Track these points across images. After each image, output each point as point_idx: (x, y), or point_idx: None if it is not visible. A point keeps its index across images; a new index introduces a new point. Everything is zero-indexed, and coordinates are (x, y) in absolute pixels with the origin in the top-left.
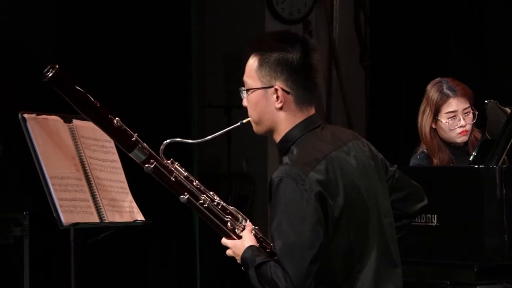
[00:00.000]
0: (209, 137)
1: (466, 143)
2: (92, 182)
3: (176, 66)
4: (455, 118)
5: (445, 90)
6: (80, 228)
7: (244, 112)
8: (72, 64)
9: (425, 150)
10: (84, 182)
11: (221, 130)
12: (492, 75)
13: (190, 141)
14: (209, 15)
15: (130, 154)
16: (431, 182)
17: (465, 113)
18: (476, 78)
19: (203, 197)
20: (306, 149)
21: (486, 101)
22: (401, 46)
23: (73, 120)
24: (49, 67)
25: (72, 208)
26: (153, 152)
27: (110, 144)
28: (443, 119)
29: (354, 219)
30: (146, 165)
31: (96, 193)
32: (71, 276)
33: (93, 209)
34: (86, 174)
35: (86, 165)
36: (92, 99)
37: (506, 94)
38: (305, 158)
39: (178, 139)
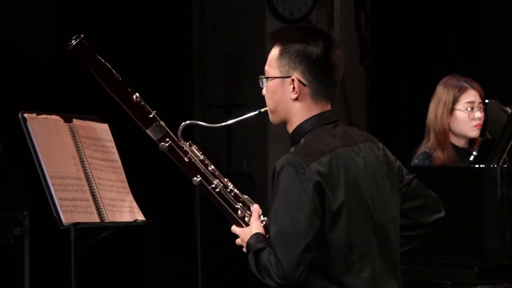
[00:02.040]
0: (228, 122)
1: (471, 144)
2: (93, 181)
3: (176, 66)
4: (473, 110)
5: (462, 83)
6: (81, 228)
7: (244, 112)
8: (72, 64)
9: (427, 150)
10: (84, 181)
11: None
12: (492, 75)
13: (207, 124)
14: (209, 14)
15: (147, 131)
16: (432, 182)
17: (479, 107)
18: (476, 78)
19: (215, 181)
20: (314, 141)
21: (487, 101)
22: (401, 46)
23: (73, 119)
24: (74, 36)
25: (72, 208)
26: (170, 132)
27: (110, 143)
28: (462, 109)
29: (354, 217)
30: (162, 144)
31: (97, 192)
32: (72, 276)
33: (94, 209)
34: (87, 173)
35: (87, 165)
36: (114, 72)
37: (506, 94)
38: (310, 149)
39: (197, 122)
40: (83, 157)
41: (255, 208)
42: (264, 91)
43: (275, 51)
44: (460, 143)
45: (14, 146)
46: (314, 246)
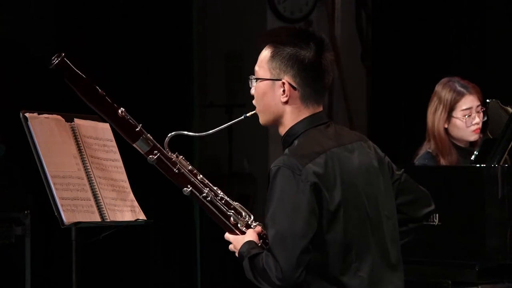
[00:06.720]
0: (211, 131)
1: (472, 144)
2: (94, 181)
3: (177, 65)
4: (470, 116)
5: (459, 88)
6: (82, 227)
7: (244, 112)
8: (72, 64)
9: (429, 150)
10: (85, 181)
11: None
12: (493, 74)
13: (193, 133)
14: (210, 14)
15: (134, 145)
16: (433, 181)
17: (477, 111)
18: (478, 78)
19: (206, 190)
20: (308, 142)
21: (487, 100)
22: (402, 45)
23: (75, 119)
24: (55, 55)
25: (73, 207)
26: (157, 144)
27: (111, 143)
28: (460, 116)
29: (351, 216)
30: (150, 156)
31: (98, 192)
32: (73, 275)
33: (95, 208)
34: (88, 173)
35: (88, 164)
36: (98, 88)
37: (507, 94)
38: (305, 150)
39: (183, 132)
40: (84, 156)
41: (258, 227)
42: (252, 91)
43: (266, 52)
44: (460, 144)
45: (15, 145)
46: (312, 247)
